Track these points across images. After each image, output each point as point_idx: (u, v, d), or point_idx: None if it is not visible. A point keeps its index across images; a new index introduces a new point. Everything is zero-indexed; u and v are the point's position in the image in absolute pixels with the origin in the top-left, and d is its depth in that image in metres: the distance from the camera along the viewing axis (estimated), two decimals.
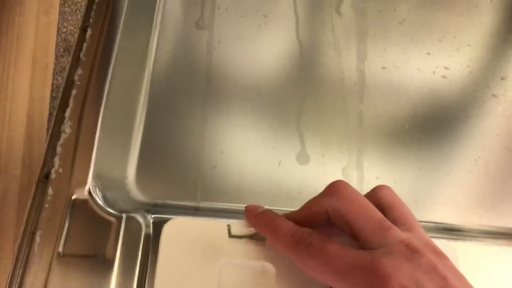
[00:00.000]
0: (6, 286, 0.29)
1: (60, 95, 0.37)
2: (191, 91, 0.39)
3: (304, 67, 0.42)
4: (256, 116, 0.39)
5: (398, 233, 0.24)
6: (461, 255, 0.29)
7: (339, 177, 0.37)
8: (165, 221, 0.29)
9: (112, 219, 0.31)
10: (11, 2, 1.02)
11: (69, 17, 1.06)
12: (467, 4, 0.48)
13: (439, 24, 0.46)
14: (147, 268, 0.30)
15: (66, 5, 1.07)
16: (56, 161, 0.33)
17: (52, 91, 0.96)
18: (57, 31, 1.03)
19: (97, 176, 0.33)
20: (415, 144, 0.39)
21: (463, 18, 0.47)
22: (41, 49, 0.99)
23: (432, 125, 0.40)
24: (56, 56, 1.00)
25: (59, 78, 0.98)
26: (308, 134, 0.38)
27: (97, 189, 0.33)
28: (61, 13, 1.05)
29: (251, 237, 0.29)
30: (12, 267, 0.29)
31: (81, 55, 0.38)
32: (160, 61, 0.41)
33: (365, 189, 0.28)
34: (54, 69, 0.99)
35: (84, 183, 0.33)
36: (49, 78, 0.97)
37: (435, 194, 0.37)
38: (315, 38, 0.44)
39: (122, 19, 0.41)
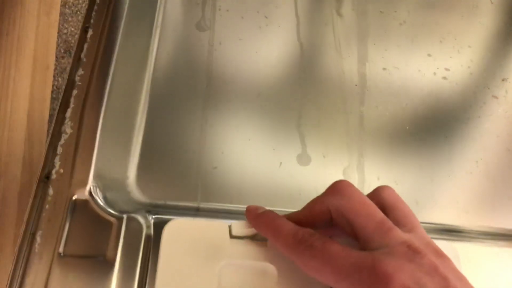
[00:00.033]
0: (6, 286, 0.29)
1: (60, 95, 0.37)
2: (191, 92, 0.39)
3: (305, 68, 0.42)
4: (257, 117, 0.39)
5: (400, 234, 0.24)
6: (462, 256, 0.29)
7: (340, 178, 0.36)
8: (166, 221, 0.29)
9: (112, 219, 0.31)
10: (12, 3, 1.03)
11: (70, 19, 1.06)
12: (467, 5, 0.48)
13: (439, 26, 0.46)
14: (147, 268, 0.30)
15: (67, 6, 1.08)
16: (57, 161, 0.33)
17: (52, 92, 0.96)
18: (58, 33, 1.03)
19: (97, 177, 0.33)
20: (416, 145, 0.39)
21: (463, 19, 0.47)
22: (42, 49, 1.00)
23: (433, 126, 0.40)
24: (56, 57, 1.01)
25: (59, 79, 0.98)
26: (309, 135, 0.38)
27: (98, 190, 0.33)
28: (62, 14, 1.06)
29: (252, 237, 0.29)
30: (13, 267, 0.29)
31: (82, 55, 0.38)
32: (161, 62, 0.41)
33: (366, 190, 0.28)
34: (54, 70, 0.99)
35: (84, 183, 0.33)
36: (50, 78, 0.97)
37: (436, 195, 0.37)
38: (315, 39, 0.44)
39: (123, 20, 0.41)
